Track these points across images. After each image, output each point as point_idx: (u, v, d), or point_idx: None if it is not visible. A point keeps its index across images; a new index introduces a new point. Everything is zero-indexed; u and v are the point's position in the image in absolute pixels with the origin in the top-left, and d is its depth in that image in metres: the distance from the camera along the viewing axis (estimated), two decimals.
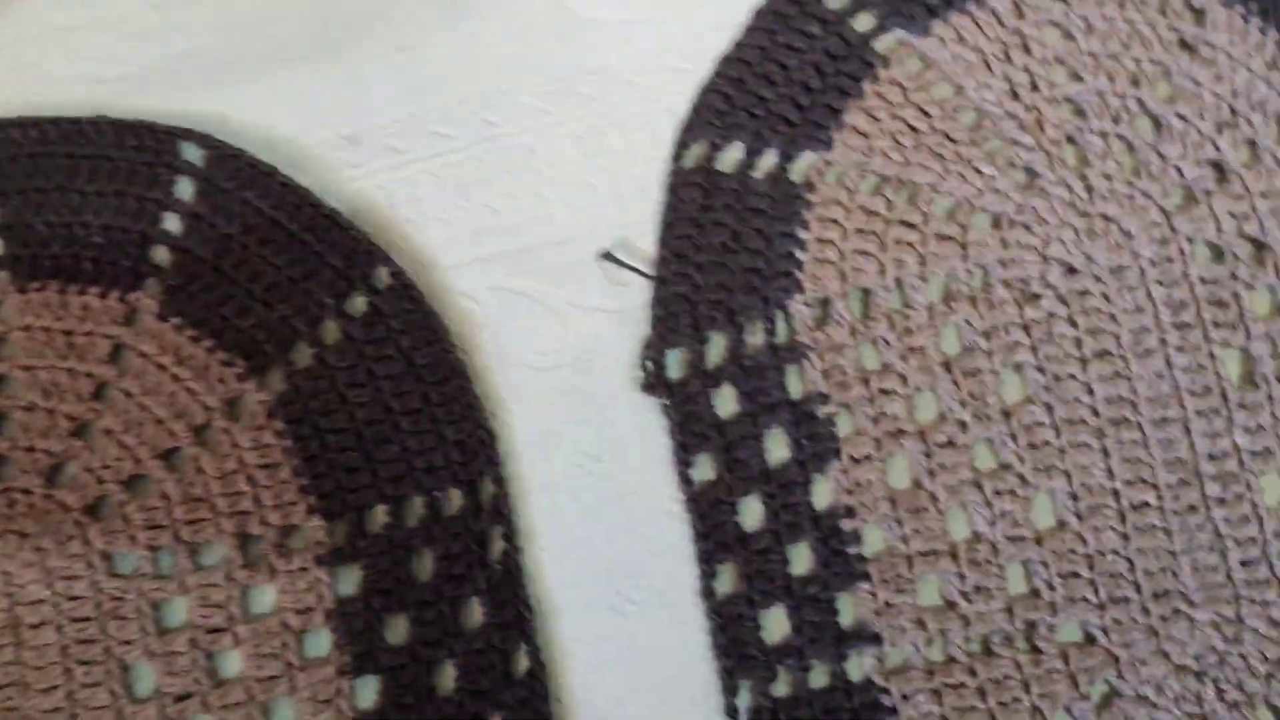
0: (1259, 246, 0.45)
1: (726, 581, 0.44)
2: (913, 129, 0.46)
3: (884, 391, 0.44)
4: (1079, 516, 0.43)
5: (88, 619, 0.45)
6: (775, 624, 0.43)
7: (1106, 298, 0.45)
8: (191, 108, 0.49)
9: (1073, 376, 0.44)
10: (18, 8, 0.49)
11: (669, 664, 0.44)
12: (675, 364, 0.45)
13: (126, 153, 0.48)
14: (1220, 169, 0.45)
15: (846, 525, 0.43)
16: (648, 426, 0.46)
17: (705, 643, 0.44)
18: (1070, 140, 0.45)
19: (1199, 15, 0.47)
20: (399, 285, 0.47)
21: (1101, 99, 0.46)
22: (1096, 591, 0.43)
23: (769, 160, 0.47)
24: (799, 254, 0.45)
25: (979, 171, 0.46)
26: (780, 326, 0.45)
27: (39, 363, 0.47)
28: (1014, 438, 0.44)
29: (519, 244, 0.47)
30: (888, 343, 0.45)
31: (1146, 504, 0.44)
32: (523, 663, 0.44)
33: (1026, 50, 0.47)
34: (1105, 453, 0.44)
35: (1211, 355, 0.44)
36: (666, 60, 0.49)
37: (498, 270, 0.47)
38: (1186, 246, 0.45)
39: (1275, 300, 0.45)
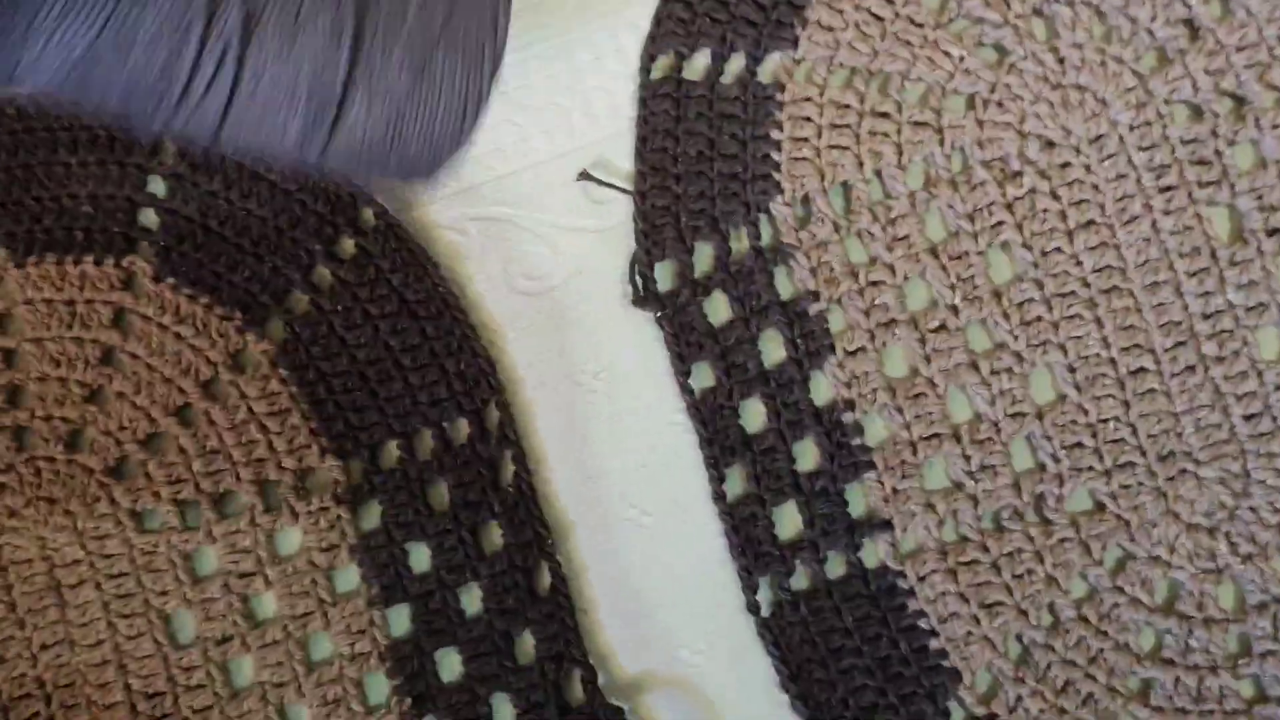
0: (1238, 101, 0.45)
1: (736, 484, 0.45)
2: (877, 18, 0.46)
3: (873, 283, 0.45)
4: (1078, 388, 0.44)
5: (124, 574, 0.46)
6: (788, 520, 0.44)
7: (1087, 168, 0.45)
8: None
9: (1060, 250, 0.45)
10: None
11: (688, 569, 0.45)
12: (664, 276, 0.46)
13: (106, 121, 0.49)
14: (1192, 26, 0.45)
15: (848, 418, 0.44)
16: (642, 340, 0.46)
17: (721, 545, 0.45)
18: (1038, 13, 0.45)
19: None
20: (384, 225, 0.48)
21: None
22: (1101, 459, 0.44)
23: (736, 64, 0.47)
24: (775, 155, 0.45)
25: (948, 54, 0.46)
26: (764, 229, 0.46)
27: (46, 334, 0.49)
28: (1006, 316, 0.44)
29: (497, 172, 0.48)
30: (872, 235, 0.45)
31: (1144, 369, 0.44)
32: (545, 580, 0.45)
33: None
34: (1099, 322, 0.44)
35: (1198, 216, 0.44)
36: None
37: (479, 200, 0.48)
38: (1164, 109, 0.45)
39: (1258, 154, 0.45)
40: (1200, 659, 0.43)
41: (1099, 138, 0.45)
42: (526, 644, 0.46)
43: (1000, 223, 0.45)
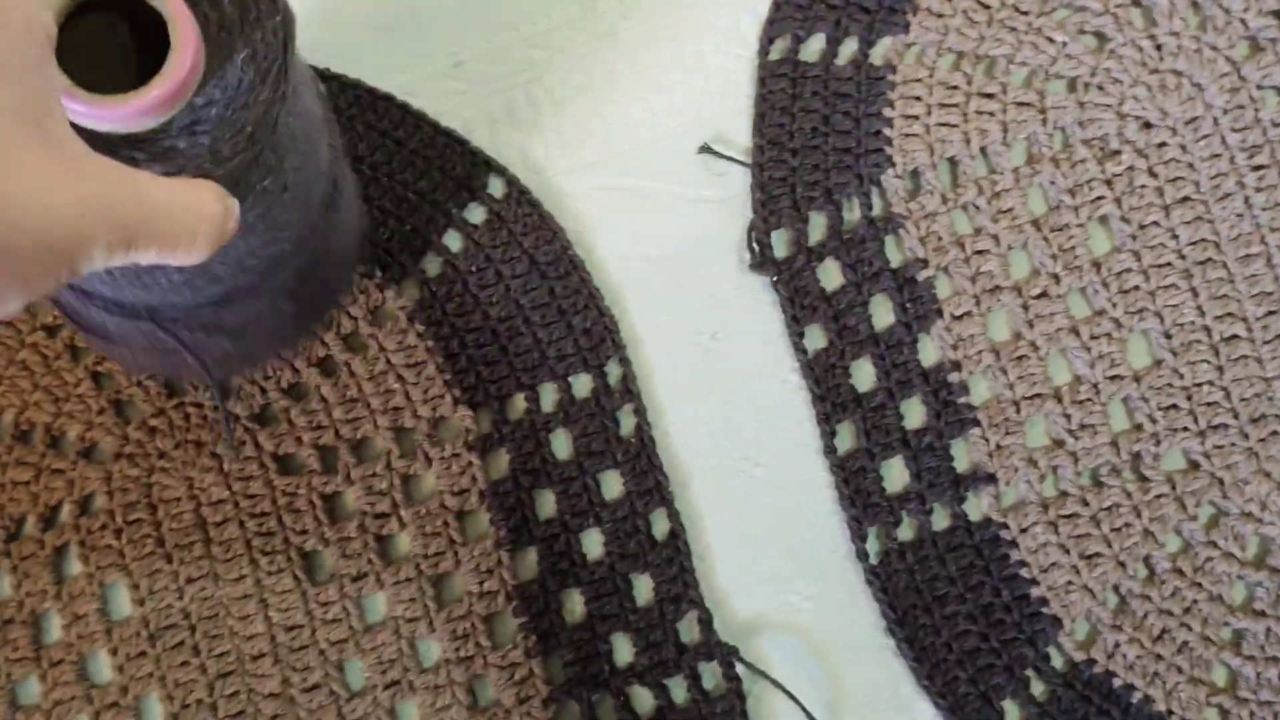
0: None
1: (846, 439, 0.48)
2: (984, 5, 0.50)
3: (978, 252, 0.48)
4: (1174, 353, 0.47)
5: (266, 514, 0.50)
6: (895, 474, 0.48)
7: (1183, 148, 0.48)
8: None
9: (1156, 224, 0.48)
10: None
11: (799, 519, 0.49)
12: (780, 243, 0.50)
13: None
14: None
15: (954, 378, 0.47)
16: (758, 303, 0.50)
17: (830, 497, 0.49)
18: (1136, 2, 0.49)
19: None
20: (515, 193, 0.52)
21: None
22: (1196, 420, 0.47)
23: (850, 47, 0.51)
24: (887, 131, 0.49)
25: (1051, 40, 0.49)
26: (876, 200, 0.49)
27: None
28: (1105, 285, 0.48)
29: (622, 146, 0.52)
30: (977, 208, 0.49)
31: (1237, 336, 0.47)
32: (663, 526, 0.49)
33: None
34: (1194, 292, 0.48)
35: None
36: None
37: (605, 172, 0.52)
38: (1256, 94, 0.48)
39: None
40: None
41: (1194, 119, 0.49)
42: (645, 586, 0.49)
43: (1100, 198, 0.49)
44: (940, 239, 0.49)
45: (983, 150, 0.50)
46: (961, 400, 0.48)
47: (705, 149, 0.52)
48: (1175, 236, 0.48)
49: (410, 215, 0.53)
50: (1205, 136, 0.49)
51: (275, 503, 0.51)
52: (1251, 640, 0.45)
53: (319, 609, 0.50)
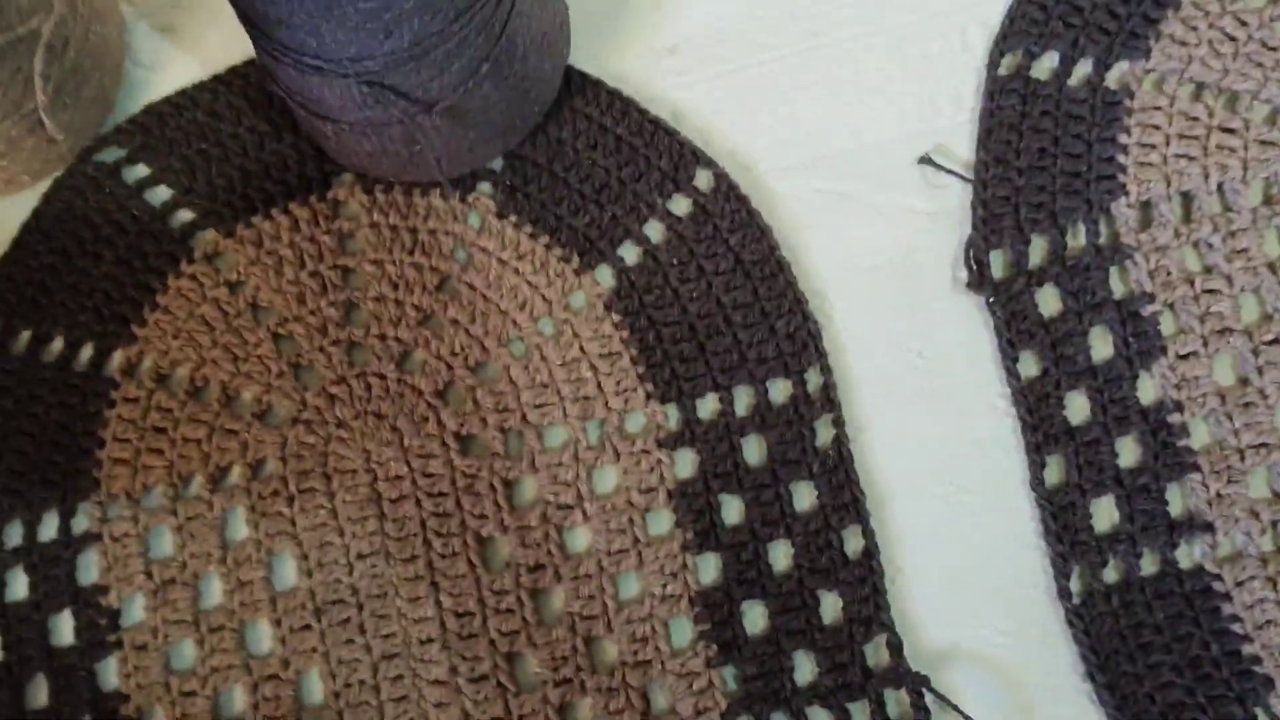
0: None
1: (1055, 472, 0.47)
2: (1230, 38, 0.49)
3: (1209, 291, 0.48)
4: None
5: (443, 494, 0.50)
6: (1104, 513, 0.47)
7: None
8: None
9: None
10: None
11: (1000, 550, 0.49)
12: (998, 264, 0.49)
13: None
14: None
15: (1174, 419, 0.47)
16: (968, 323, 0.50)
17: (1034, 530, 0.48)
18: None
19: None
20: (723, 187, 0.51)
21: None
22: None
23: (1084, 68, 0.50)
24: (1121, 158, 0.48)
25: None
26: (1103, 228, 0.48)
27: (387, 257, 0.52)
28: None
29: (838, 149, 0.52)
30: (1210, 245, 0.48)
31: None
32: (856, 544, 0.48)
33: None
34: None
35: None
36: None
37: (818, 173, 0.51)
38: None
39: None
40: None
41: None
42: (833, 605, 0.49)
43: None
44: (1170, 274, 0.48)
45: (1220, 187, 0.49)
46: (1181, 443, 0.47)
47: (925, 160, 0.51)
48: None
49: (612, 202, 0.53)
50: None
51: (454, 484, 0.50)
52: None
53: (492, 597, 0.49)
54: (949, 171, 0.56)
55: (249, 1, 0.46)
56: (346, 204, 0.59)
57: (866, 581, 0.52)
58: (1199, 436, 0.52)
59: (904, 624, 0.52)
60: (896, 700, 0.51)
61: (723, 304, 0.55)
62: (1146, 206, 0.54)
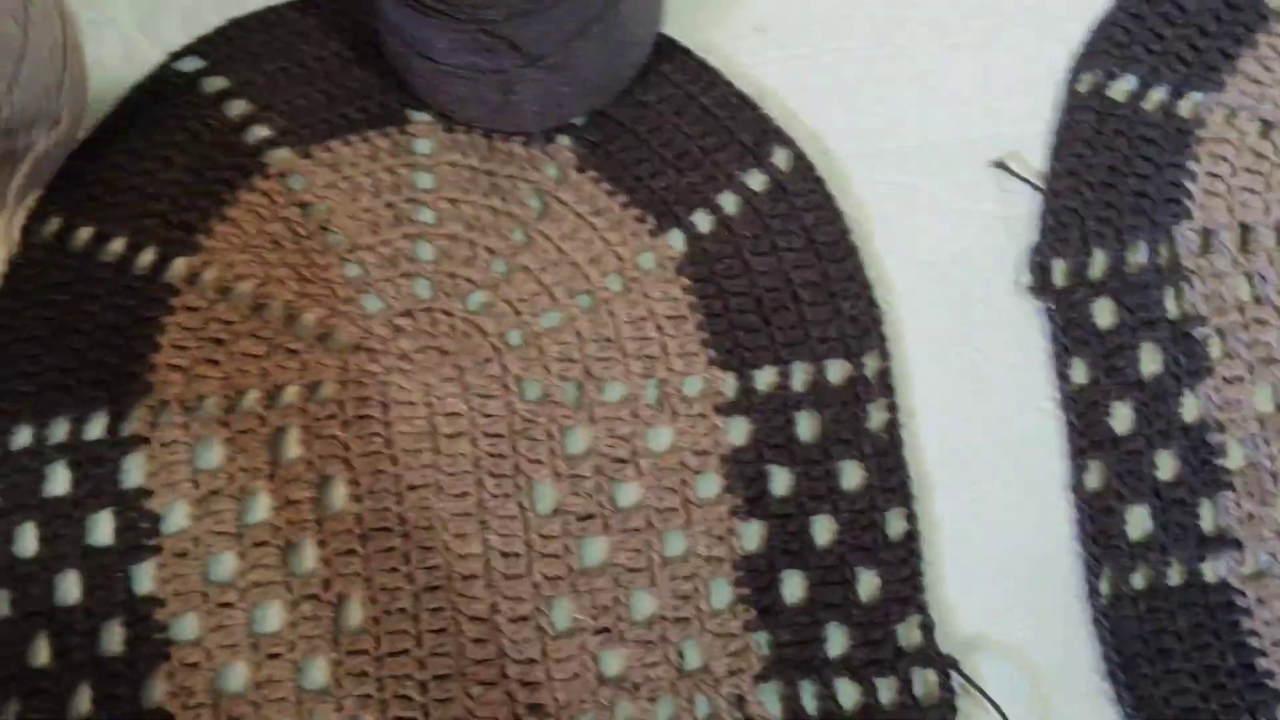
0: None
1: (1095, 478, 0.50)
2: None
3: (1258, 321, 0.51)
4: None
5: (500, 436, 0.52)
6: (1138, 521, 0.51)
7: None
8: None
9: None
10: None
11: (1033, 546, 0.52)
12: (1059, 272, 0.52)
13: None
14: None
15: (1215, 439, 0.50)
16: (1025, 326, 0.53)
17: (1068, 532, 0.52)
18: None
19: None
20: (801, 167, 0.54)
21: None
22: None
23: (1159, 95, 0.54)
24: (1188, 184, 0.52)
25: None
26: (1164, 249, 0.51)
27: (463, 197, 0.54)
28: None
29: (915, 143, 0.55)
30: (1264, 278, 0.52)
31: None
32: (899, 526, 0.51)
33: None
34: None
35: None
36: None
37: (893, 165, 0.55)
38: None
39: None
40: None
41: None
42: (870, 582, 0.52)
43: None
44: (1223, 300, 0.52)
45: (1279, 225, 0.52)
46: (1219, 462, 0.51)
47: (999, 164, 0.54)
48: None
49: (691, 169, 0.55)
50: None
51: (511, 426, 0.53)
52: None
53: (539, 541, 0.52)
54: (1021, 178, 0.59)
55: None
56: (426, 140, 0.60)
57: (906, 563, 0.55)
58: (1235, 457, 0.56)
59: (937, 608, 0.55)
60: (923, 680, 0.54)
61: (791, 280, 0.58)
62: (1207, 233, 0.58)
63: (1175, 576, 0.55)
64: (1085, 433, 0.56)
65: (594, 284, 0.58)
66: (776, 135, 0.60)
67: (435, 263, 0.59)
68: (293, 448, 0.57)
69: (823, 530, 0.56)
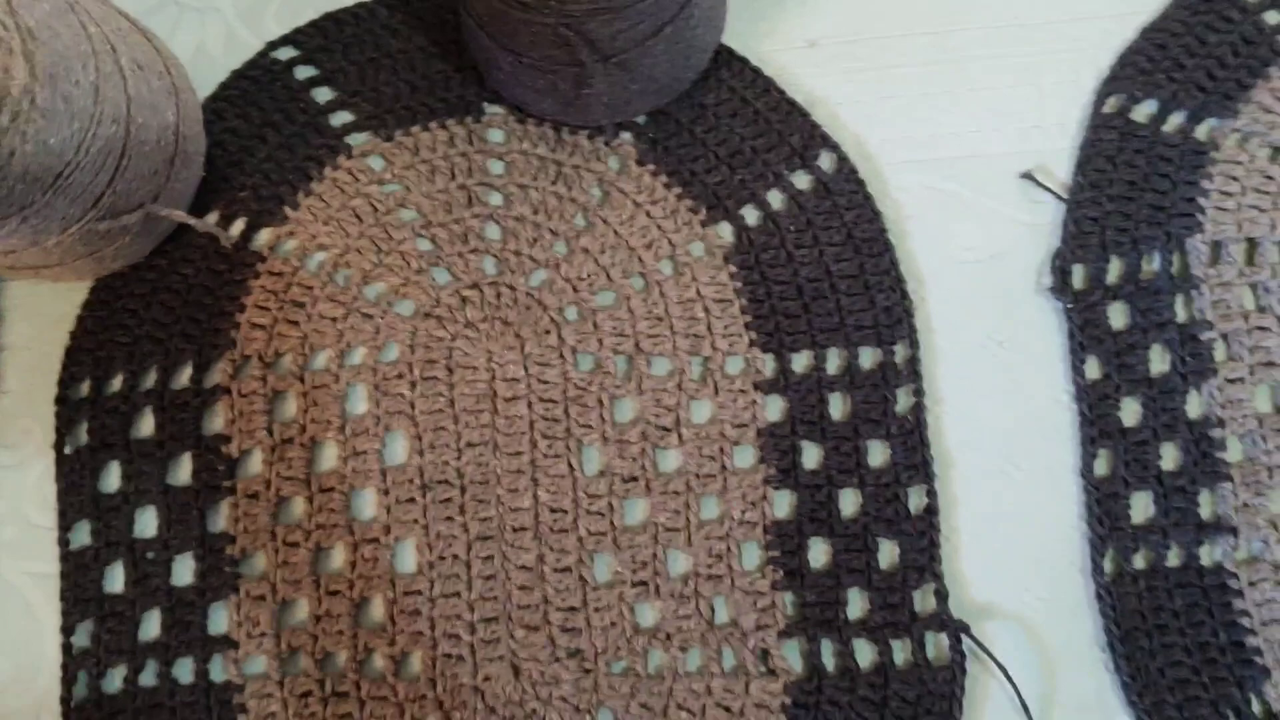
0: None
1: (1103, 465, 0.56)
2: None
3: (1260, 328, 0.57)
4: None
5: (554, 401, 0.58)
6: (1141, 507, 0.57)
7: None
8: None
9: None
10: None
11: (1043, 526, 0.58)
12: (1079, 276, 0.59)
13: None
14: None
15: (1216, 434, 0.56)
16: (1045, 324, 0.59)
17: (1076, 514, 0.58)
18: None
19: None
20: (845, 170, 0.60)
21: None
22: None
23: (1178, 119, 0.60)
24: (1201, 200, 0.58)
25: None
26: (1176, 259, 0.57)
27: (532, 184, 0.61)
28: None
29: (950, 154, 0.61)
30: (1267, 289, 0.58)
31: None
32: (919, 501, 0.57)
33: None
34: None
35: None
36: (1099, 19, 0.61)
37: (930, 173, 0.61)
38: None
39: None
40: None
41: None
42: (890, 551, 0.57)
43: None
44: (1229, 307, 0.58)
45: None
46: (1219, 455, 0.56)
47: (1028, 175, 0.61)
48: None
49: (742, 167, 0.62)
50: None
51: (565, 393, 0.59)
52: None
53: (585, 499, 0.58)
54: (1046, 189, 0.65)
55: None
56: (499, 130, 0.68)
57: (924, 535, 0.61)
58: (1234, 452, 0.62)
59: (951, 578, 0.61)
60: (935, 643, 0.60)
61: (830, 273, 0.65)
62: (1217, 246, 0.64)
63: (1174, 559, 0.61)
64: (1096, 423, 0.62)
65: (647, 267, 0.65)
66: (823, 140, 0.67)
67: (502, 242, 0.66)
68: (361, 404, 0.64)
69: (848, 502, 0.62)
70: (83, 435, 0.63)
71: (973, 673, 0.60)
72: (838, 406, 0.64)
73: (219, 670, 0.60)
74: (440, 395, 0.63)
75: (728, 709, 0.60)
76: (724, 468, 0.63)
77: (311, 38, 0.70)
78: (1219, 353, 0.63)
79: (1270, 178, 0.65)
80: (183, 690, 0.60)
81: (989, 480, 0.63)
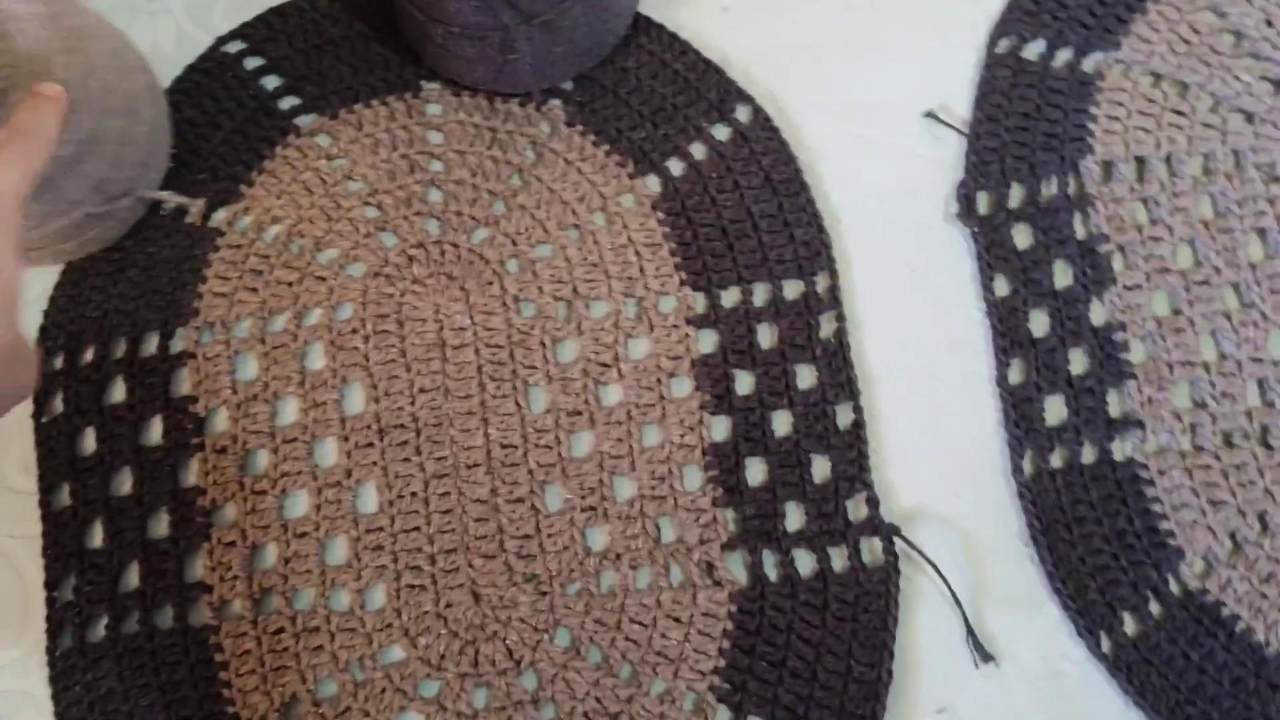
0: None
1: (1017, 373, 0.62)
2: (1185, 40, 0.66)
3: (1153, 239, 0.63)
4: None
5: (499, 346, 0.64)
6: (1055, 409, 0.62)
7: None
8: None
9: None
10: None
11: (964, 433, 0.64)
12: (983, 203, 0.65)
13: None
14: None
15: (1119, 337, 0.62)
16: (955, 248, 0.66)
17: (995, 420, 0.63)
18: None
19: None
20: (760, 120, 0.66)
21: None
22: None
23: (1065, 55, 0.67)
24: (1090, 125, 0.65)
25: (1237, 78, 0.65)
26: (1071, 181, 0.64)
27: (469, 149, 0.67)
28: (1258, 284, 0.63)
29: (859, 99, 0.69)
30: (1158, 203, 0.64)
31: None
32: (847, 417, 0.62)
33: None
34: None
35: None
36: None
37: (839, 117, 0.68)
38: None
39: None
40: None
41: None
42: (823, 466, 0.63)
43: (1262, 212, 0.65)
44: (1123, 221, 0.64)
45: (1168, 157, 0.65)
46: (1123, 356, 0.62)
47: (930, 114, 0.67)
48: None
49: (665, 123, 0.68)
50: None
51: (509, 338, 0.64)
52: None
53: (533, 434, 0.63)
54: (948, 125, 0.72)
55: None
56: (436, 105, 0.74)
57: (853, 448, 0.67)
58: (1137, 353, 0.68)
59: (882, 486, 0.67)
60: (870, 548, 0.65)
61: (752, 214, 0.71)
62: (1108, 165, 0.70)
63: (1088, 455, 0.66)
64: (1007, 335, 0.68)
65: (581, 220, 0.71)
66: (739, 94, 0.73)
67: (444, 204, 0.72)
68: (319, 360, 0.69)
69: (781, 422, 0.68)
70: (59, 404, 0.69)
71: (906, 573, 0.65)
72: (766, 336, 0.69)
73: (196, 615, 0.65)
74: (393, 347, 0.69)
75: (678, 619, 0.64)
76: (662, 398, 0.68)
77: (258, 30, 0.76)
78: (1117, 263, 0.69)
79: (1152, 100, 0.72)
80: (162, 635, 0.65)
81: (912, 395, 0.68)
